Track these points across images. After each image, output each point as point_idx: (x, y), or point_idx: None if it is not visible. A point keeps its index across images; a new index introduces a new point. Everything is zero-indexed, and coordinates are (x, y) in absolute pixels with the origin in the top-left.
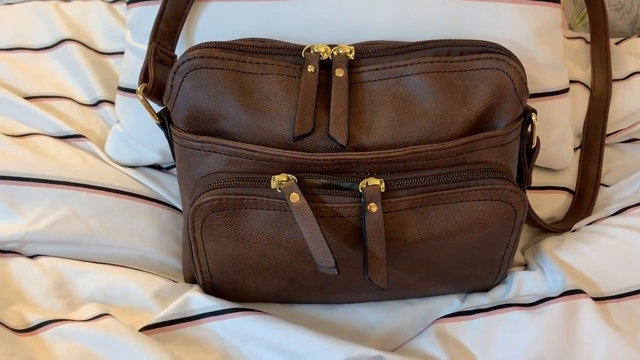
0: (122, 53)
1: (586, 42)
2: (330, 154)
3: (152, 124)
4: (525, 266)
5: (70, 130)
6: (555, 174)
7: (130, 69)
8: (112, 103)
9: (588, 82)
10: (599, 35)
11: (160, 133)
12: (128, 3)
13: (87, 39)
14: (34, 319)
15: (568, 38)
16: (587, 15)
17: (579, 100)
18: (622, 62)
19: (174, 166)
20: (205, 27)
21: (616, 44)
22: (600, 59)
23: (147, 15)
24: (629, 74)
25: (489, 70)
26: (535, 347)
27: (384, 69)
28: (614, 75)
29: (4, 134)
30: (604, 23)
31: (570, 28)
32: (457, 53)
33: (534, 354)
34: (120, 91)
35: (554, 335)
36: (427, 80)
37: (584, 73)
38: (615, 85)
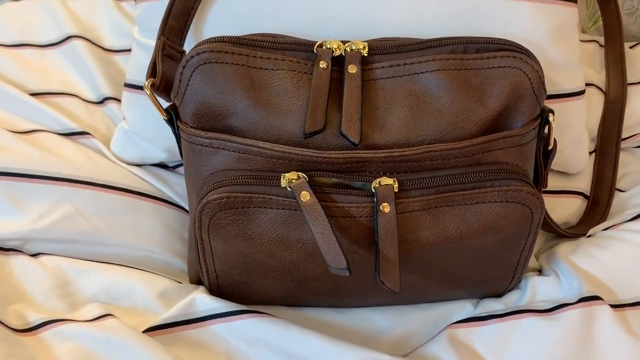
0: (129, 50)
1: (600, 45)
2: (342, 152)
3: (159, 121)
4: (539, 271)
5: (75, 127)
6: (570, 178)
7: (137, 65)
8: (118, 100)
9: (602, 85)
10: (613, 39)
11: (167, 130)
12: None
13: (93, 35)
14: (35, 318)
15: (581, 41)
16: (599, 19)
17: (593, 103)
18: (636, 66)
19: (180, 165)
20: (215, 22)
21: (630, 47)
22: (615, 62)
23: (156, 11)
24: None
25: (507, 68)
26: (551, 354)
27: (398, 65)
28: (629, 79)
29: (8, 130)
30: (618, 26)
31: (583, 32)
32: (473, 50)
33: None
34: (127, 88)
35: (571, 342)
36: (442, 78)
37: (598, 76)
38: (629, 89)
